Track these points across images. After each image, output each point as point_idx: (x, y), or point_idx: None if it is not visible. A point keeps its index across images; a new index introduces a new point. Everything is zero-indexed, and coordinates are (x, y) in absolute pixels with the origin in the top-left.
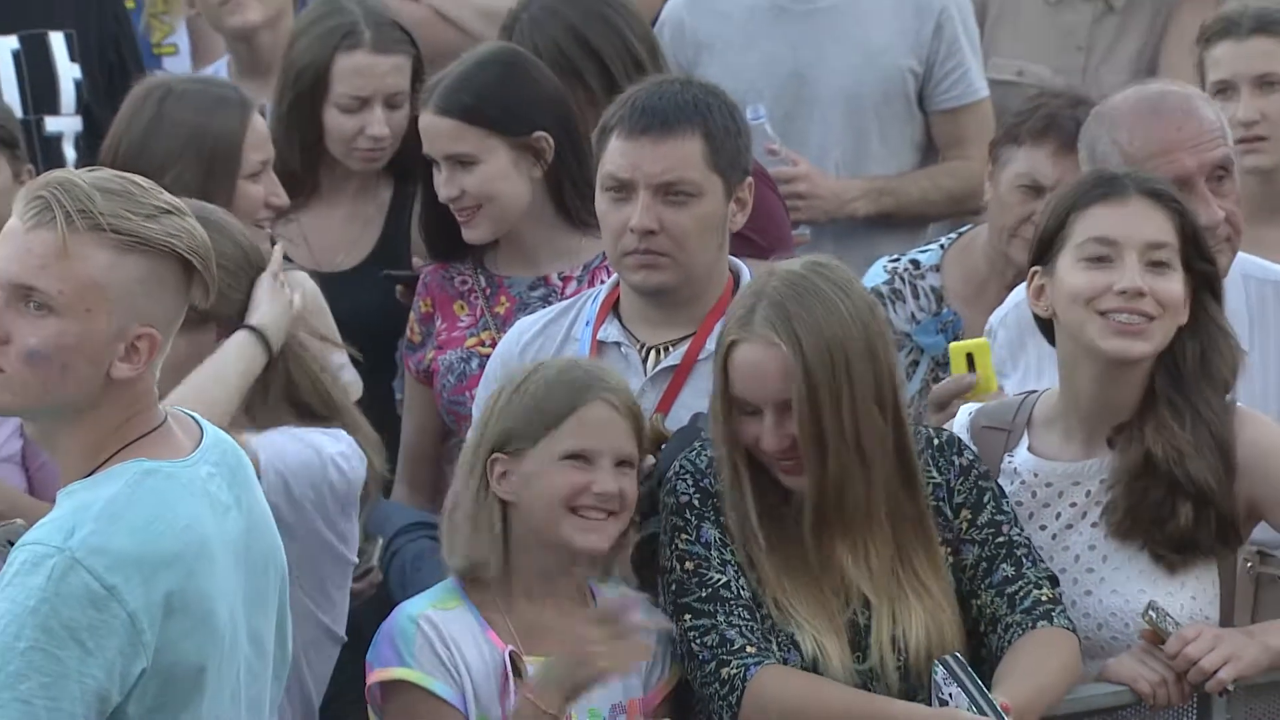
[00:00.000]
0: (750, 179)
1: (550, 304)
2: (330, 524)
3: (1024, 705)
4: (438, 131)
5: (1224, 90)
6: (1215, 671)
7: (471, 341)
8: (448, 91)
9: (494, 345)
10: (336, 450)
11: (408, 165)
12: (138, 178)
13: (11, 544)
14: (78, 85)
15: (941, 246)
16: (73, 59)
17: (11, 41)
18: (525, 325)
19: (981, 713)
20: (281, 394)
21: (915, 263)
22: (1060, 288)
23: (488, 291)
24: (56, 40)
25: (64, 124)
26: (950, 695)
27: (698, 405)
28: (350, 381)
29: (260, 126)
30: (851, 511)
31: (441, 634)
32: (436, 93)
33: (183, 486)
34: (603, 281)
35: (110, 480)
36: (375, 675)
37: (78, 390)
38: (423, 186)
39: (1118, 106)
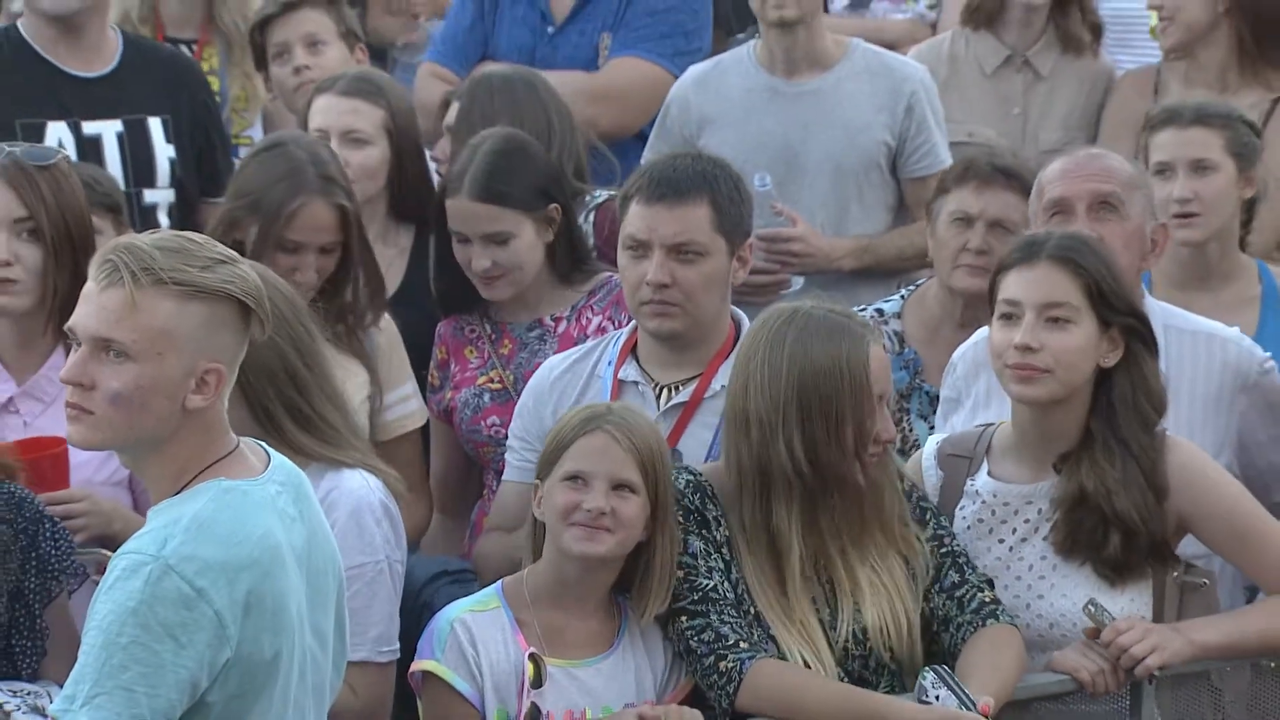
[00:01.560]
0: (751, 239)
1: (545, 341)
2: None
3: (995, 700)
4: (475, 214)
5: (1163, 171)
6: (1144, 658)
7: (482, 380)
8: (481, 180)
9: (500, 381)
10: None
11: (425, 215)
12: (194, 234)
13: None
14: (172, 163)
15: (901, 297)
16: (168, 140)
17: (117, 125)
18: (554, 363)
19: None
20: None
21: (880, 311)
22: (991, 339)
23: (492, 336)
24: (154, 124)
25: (159, 196)
26: (939, 697)
27: (704, 437)
28: (414, 411)
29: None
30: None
31: (472, 636)
32: (468, 181)
33: (256, 502)
34: (588, 319)
35: (195, 497)
36: (414, 664)
37: (157, 423)
38: (436, 250)
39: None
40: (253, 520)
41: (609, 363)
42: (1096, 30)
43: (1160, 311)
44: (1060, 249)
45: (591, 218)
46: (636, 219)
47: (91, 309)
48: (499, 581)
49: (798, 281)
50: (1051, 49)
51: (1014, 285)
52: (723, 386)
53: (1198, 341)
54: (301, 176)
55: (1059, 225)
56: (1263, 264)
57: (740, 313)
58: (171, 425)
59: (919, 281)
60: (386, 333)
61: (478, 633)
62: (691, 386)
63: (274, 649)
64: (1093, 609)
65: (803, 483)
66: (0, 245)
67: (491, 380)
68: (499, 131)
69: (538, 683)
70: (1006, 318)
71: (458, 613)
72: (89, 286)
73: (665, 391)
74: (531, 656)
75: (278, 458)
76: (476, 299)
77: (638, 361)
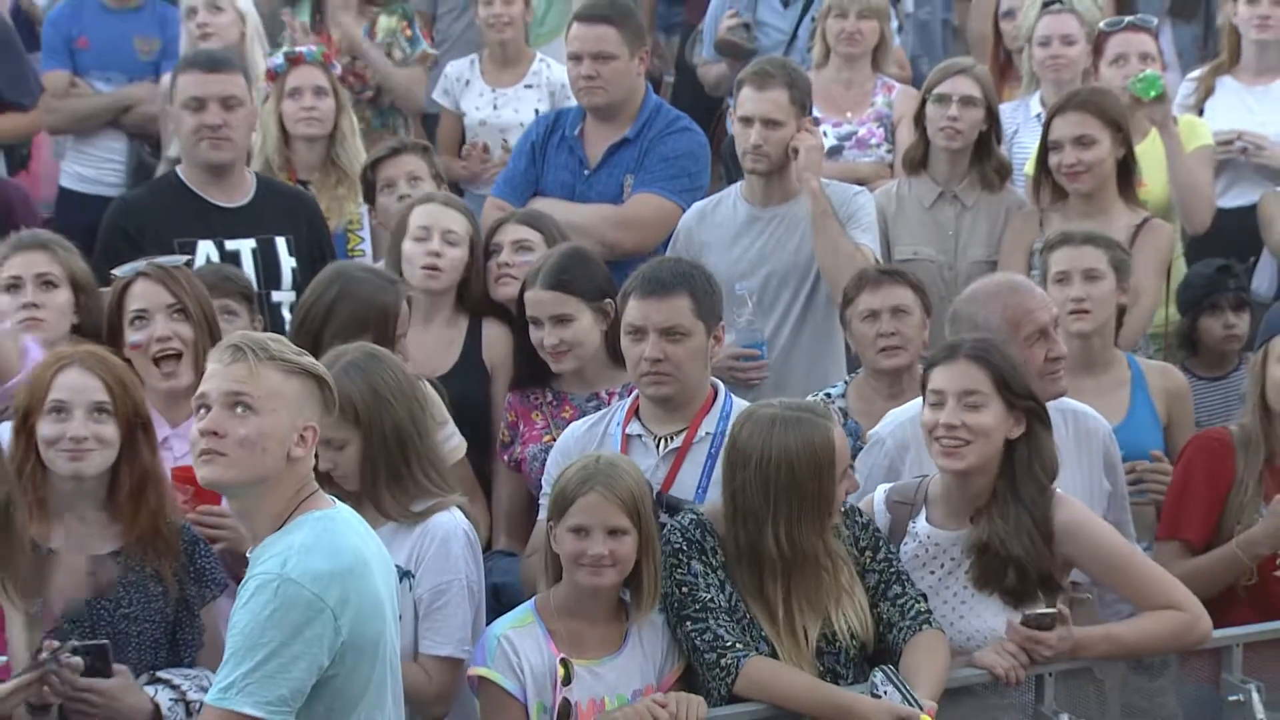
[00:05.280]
0: (723, 322)
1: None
2: None
3: (934, 696)
4: (544, 300)
5: (1061, 279)
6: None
7: (546, 438)
8: (551, 274)
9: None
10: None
11: (479, 307)
12: (276, 336)
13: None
14: (293, 271)
15: (845, 382)
16: (290, 254)
17: (251, 243)
18: (576, 426)
19: (910, 706)
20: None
21: (828, 394)
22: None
23: (554, 405)
24: (280, 242)
25: (283, 296)
26: (886, 693)
27: (695, 473)
28: (456, 445)
29: (405, 306)
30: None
31: (514, 647)
32: (541, 275)
33: (342, 523)
34: (605, 421)
35: (298, 528)
36: (470, 671)
37: (270, 467)
38: (516, 339)
39: (985, 289)
40: (343, 537)
41: (618, 423)
42: (1004, 171)
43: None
44: (974, 349)
45: None
46: (634, 310)
47: (220, 379)
48: (532, 600)
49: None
50: (974, 186)
51: (939, 378)
52: (707, 433)
53: (1079, 419)
54: (389, 287)
55: (1039, 344)
56: (1130, 355)
57: (718, 380)
58: (279, 470)
59: (859, 370)
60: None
61: (518, 644)
62: (682, 436)
63: (374, 632)
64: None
65: (784, 561)
66: (161, 325)
67: (554, 439)
68: (567, 244)
69: (567, 681)
70: (934, 405)
71: (503, 629)
72: (213, 366)
73: (662, 441)
74: (562, 661)
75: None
76: (545, 376)
77: (640, 419)
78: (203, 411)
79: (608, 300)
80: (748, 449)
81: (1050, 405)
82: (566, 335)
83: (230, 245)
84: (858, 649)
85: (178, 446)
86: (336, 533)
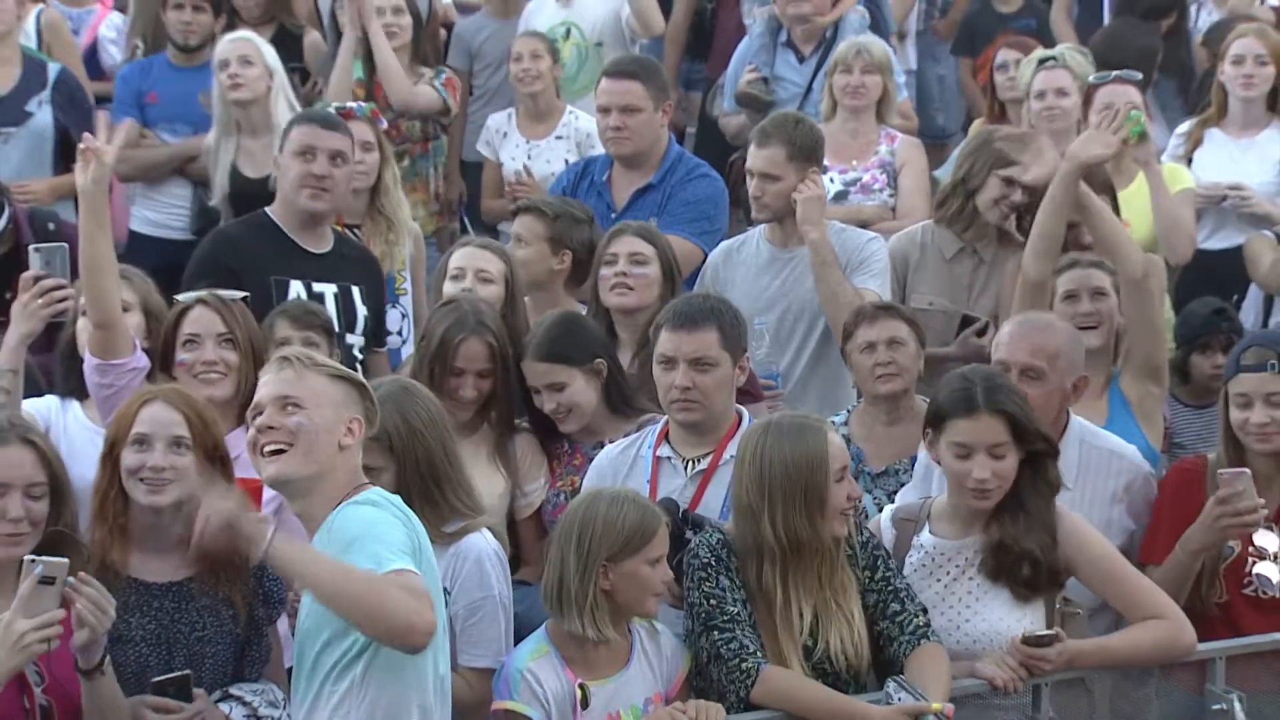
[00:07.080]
0: (747, 353)
1: (631, 435)
2: None
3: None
4: (538, 371)
5: (1070, 297)
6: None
7: (560, 484)
8: (542, 345)
9: (573, 485)
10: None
11: (515, 337)
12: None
13: (50, 579)
14: (365, 319)
15: (849, 411)
16: (363, 302)
17: (334, 287)
18: (611, 449)
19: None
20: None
21: (832, 422)
22: (944, 459)
23: (568, 453)
24: (355, 290)
25: (356, 339)
26: (900, 699)
27: (720, 494)
28: (538, 501)
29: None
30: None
31: (537, 678)
32: (533, 347)
33: (393, 497)
34: (637, 444)
35: (366, 499)
36: (495, 705)
37: (326, 456)
38: (521, 396)
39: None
40: (404, 506)
41: (649, 446)
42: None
43: (1079, 428)
44: (992, 402)
45: None
46: (666, 341)
47: (271, 385)
48: (543, 628)
49: (763, 322)
50: (992, 243)
51: (963, 432)
52: (731, 457)
53: (1103, 456)
54: (465, 320)
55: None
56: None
57: (741, 407)
58: (333, 461)
59: (858, 402)
60: (524, 443)
61: (540, 675)
62: (708, 459)
63: (435, 581)
64: (1032, 634)
65: (781, 550)
66: (209, 350)
67: (566, 485)
68: (556, 312)
69: (585, 704)
70: (962, 456)
71: (523, 663)
72: (266, 377)
73: (690, 463)
74: (580, 685)
75: None
76: (557, 430)
77: (669, 443)
78: (257, 418)
79: (598, 360)
80: (743, 451)
81: (1095, 445)
82: (563, 399)
83: (317, 287)
84: (851, 675)
85: None
86: (400, 502)
